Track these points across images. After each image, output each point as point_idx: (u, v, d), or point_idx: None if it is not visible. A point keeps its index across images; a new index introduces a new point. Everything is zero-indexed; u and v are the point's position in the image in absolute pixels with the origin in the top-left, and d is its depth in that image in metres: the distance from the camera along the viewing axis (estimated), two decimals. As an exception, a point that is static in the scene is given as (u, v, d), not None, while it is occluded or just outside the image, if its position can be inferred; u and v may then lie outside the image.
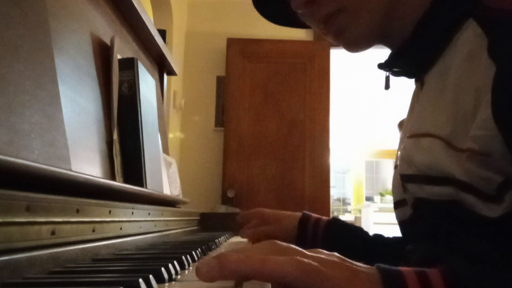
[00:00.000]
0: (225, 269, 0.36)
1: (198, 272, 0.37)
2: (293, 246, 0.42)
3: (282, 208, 1.06)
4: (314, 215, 0.96)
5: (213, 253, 0.77)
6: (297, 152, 3.35)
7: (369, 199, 6.89)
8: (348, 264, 0.40)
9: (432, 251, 0.58)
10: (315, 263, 0.38)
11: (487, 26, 0.51)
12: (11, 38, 0.52)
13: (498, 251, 0.49)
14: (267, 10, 0.76)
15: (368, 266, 0.41)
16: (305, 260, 0.38)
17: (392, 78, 0.71)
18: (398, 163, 0.68)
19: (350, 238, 0.89)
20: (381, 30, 0.64)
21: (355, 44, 0.65)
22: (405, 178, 0.62)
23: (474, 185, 0.50)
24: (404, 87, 0.71)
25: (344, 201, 7.58)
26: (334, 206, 6.79)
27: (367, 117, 6.45)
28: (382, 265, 0.40)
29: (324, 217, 0.95)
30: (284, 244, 0.42)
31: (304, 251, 0.42)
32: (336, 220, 0.94)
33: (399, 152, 0.70)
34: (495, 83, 0.47)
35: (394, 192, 0.71)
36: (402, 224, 0.70)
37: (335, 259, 0.41)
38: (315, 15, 0.64)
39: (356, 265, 0.40)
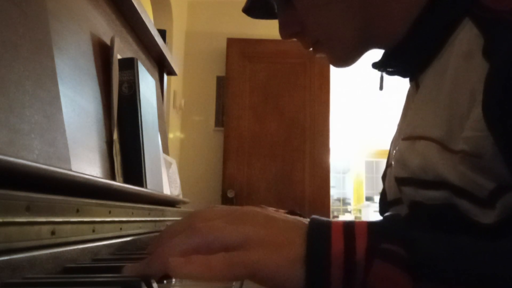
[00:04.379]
0: (148, 274, 0.40)
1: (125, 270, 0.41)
2: (211, 222, 0.42)
3: (282, 208, 1.05)
4: (281, 211, 0.96)
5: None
6: (297, 152, 3.35)
7: (369, 199, 6.90)
8: (274, 230, 0.40)
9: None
10: (241, 256, 0.38)
11: (484, 26, 0.51)
12: (11, 38, 0.52)
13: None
14: (259, 15, 0.77)
15: (303, 219, 0.42)
16: (232, 260, 0.38)
17: (392, 78, 0.71)
18: (392, 162, 0.68)
19: None
20: (365, 42, 0.66)
21: (342, 64, 0.70)
22: (400, 181, 0.62)
23: (468, 190, 0.49)
24: (404, 87, 0.71)
25: (344, 201, 7.58)
26: (334, 206, 6.79)
27: (367, 117, 6.45)
28: (316, 217, 0.41)
29: (288, 212, 0.95)
30: (201, 224, 0.42)
31: (222, 215, 0.42)
32: (295, 214, 0.94)
33: (394, 151, 0.69)
34: (486, 83, 0.46)
35: (388, 190, 0.70)
36: None
37: (261, 220, 0.41)
38: (301, 43, 0.71)
39: (285, 221, 0.41)
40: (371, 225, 0.40)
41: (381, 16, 0.63)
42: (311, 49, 0.70)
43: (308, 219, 0.41)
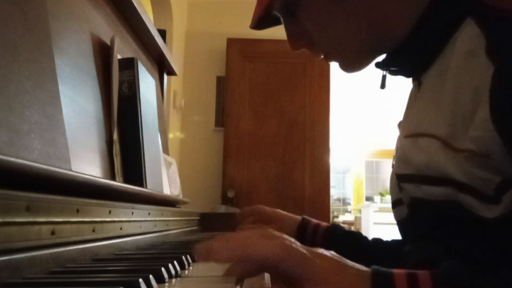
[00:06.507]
0: (210, 257, 0.41)
1: (194, 254, 0.42)
2: (284, 235, 0.43)
3: (282, 208, 1.05)
4: (314, 220, 0.95)
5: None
6: (297, 152, 3.35)
7: (369, 199, 6.89)
8: (340, 260, 0.41)
9: (431, 252, 0.58)
10: (302, 250, 0.39)
11: (485, 26, 0.51)
12: (11, 38, 0.52)
13: (496, 251, 0.49)
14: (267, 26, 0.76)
15: (364, 266, 0.42)
16: (292, 244, 0.39)
17: (392, 78, 0.71)
18: (393, 162, 0.68)
19: (349, 244, 0.88)
20: (373, 49, 0.67)
21: (353, 70, 0.70)
22: (401, 178, 0.62)
23: (472, 186, 0.50)
24: (405, 87, 0.71)
25: (344, 201, 7.58)
26: (334, 206, 6.79)
27: (367, 117, 6.45)
28: (377, 266, 0.41)
29: (324, 223, 0.94)
30: (276, 232, 0.43)
31: (294, 240, 0.42)
32: (335, 226, 0.93)
33: (395, 151, 0.70)
34: (493, 84, 0.47)
35: (391, 191, 0.71)
36: (399, 223, 0.70)
37: (328, 254, 0.42)
38: (311, 52, 0.72)
39: (349, 263, 0.42)
40: (434, 276, 0.39)
41: (387, 25, 0.63)
42: (322, 56, 0.71)
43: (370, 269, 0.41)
